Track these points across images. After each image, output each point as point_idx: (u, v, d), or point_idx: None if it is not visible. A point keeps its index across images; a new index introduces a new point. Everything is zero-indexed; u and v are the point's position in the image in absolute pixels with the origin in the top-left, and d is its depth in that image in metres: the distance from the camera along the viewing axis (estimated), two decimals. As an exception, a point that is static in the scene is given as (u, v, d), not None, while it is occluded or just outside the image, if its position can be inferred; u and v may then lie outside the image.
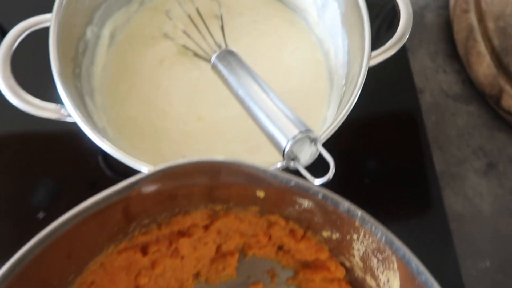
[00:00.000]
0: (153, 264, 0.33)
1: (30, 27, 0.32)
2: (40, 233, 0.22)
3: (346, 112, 0.31)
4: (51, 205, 0.41)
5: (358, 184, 0.44)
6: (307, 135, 0.26)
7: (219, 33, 0.41)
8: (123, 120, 0.40)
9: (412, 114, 0.46)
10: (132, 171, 0.30)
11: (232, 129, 0.40)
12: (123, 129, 0.39)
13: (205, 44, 0.38)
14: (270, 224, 0.36)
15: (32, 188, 0.41)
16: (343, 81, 0.37)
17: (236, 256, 0.36)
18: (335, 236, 0.31)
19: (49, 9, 0.33)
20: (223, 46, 0.38)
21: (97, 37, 0.39)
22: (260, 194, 0.30)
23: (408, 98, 0.47)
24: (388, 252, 0.26)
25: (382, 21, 0.48)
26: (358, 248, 0.29)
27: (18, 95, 0.30)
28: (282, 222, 0.35)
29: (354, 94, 0.31)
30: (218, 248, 0.35)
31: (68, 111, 0.30)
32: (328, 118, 0.40)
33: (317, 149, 0.26)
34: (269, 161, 0.36)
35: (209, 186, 0.31)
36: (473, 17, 0.48)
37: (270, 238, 0.37)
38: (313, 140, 0.27)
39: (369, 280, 0.30)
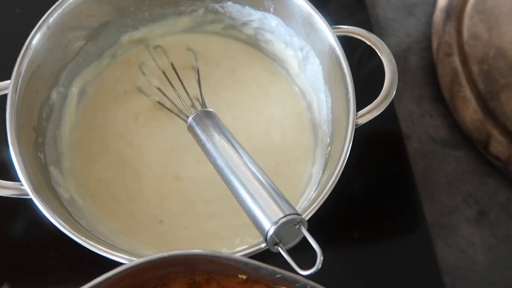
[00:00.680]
0: None
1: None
2: None
3: (329, 189, 0.29)
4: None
5: (348, 238, 0.42)
6: (293, 219, 0.24)
7: (196, 86, 0.39)
8: (94, 183, 0.37)
9: (400, 162, 0.45)
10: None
11: (213, 188, 0.38)
12: (95, 193, 0.37)
13: (181, 102, 0.36)
14: (255, 292, 0.33)
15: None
16: (328, 140, 0.35)
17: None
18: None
19: (8, 75, 0.30)
20: (200, 103, 0.36)
21: (64, 97, 0.36)
22: (243, 276, 0.28)
23: (394, 145, 0.46)
24: None
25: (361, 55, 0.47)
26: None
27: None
28: (266, 291, 0.33)
29: (337, 171, 0.29)
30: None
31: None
32: (314, 175, 0.38)
33: (303, 234, 0.24)
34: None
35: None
36: (456, 61, 0.47)
37: (255, 305, 0.35)
38: (299, 223, 0.25)
39: None
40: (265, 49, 0.42)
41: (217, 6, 0.39)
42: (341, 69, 0.32)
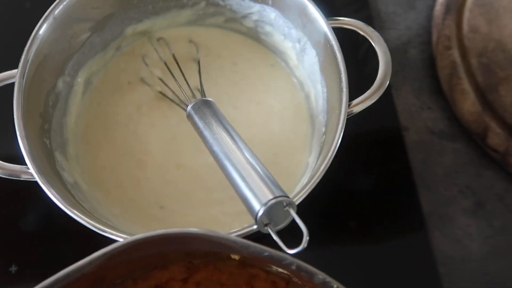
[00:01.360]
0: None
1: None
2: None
3: (320, 174, 0.30)
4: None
5: (344, 227, 0.43)
6: (282, 200, 0.25)
7: (197, 77, 0.40)
8: (98, 170, 0.39)
9: (397, 154, 0.45)
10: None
11: (213, 176, 0.39)
12: (99, 180, 0.38)
13: (181, 92, 0.37)
14: (252, 276, 0.35)
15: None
16: (323, 129, 0.36)
17: (218, 307, 0.34)
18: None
19: (15, 64, 0.32)
20: (200, 93, 0.38)
21: (70, 86, 0.38)
22: (235, 257, 0.29)
23: (392, 137, 0.46)
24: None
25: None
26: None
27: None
28: (263, 274, 0.34)
29: (328, 156, 0.30)
30: (198, 301, 0.34)
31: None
32: (310, 164, 0.39)
33: (292, 216, 0.25)
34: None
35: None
36: (456, 54, 0.48)
37: (252, 289, 0.36)
38: (288, 205, 0.26)
39: None
40: (265, 42, 0.43)
41: None
42: (335, 59, 0.33)
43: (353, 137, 0.46)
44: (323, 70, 0.36)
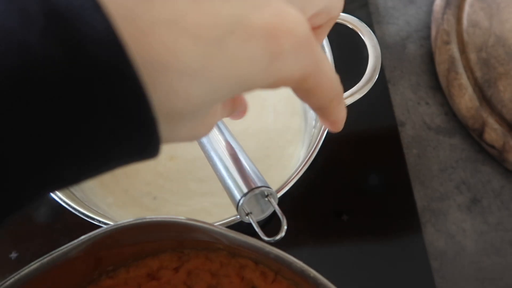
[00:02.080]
0: (120, 309, 0.32)
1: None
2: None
3: (302, 168, 0.30)
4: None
5: (337, 221, 0.43)
6: (263, 190, 0.26)
7: None
8: None
9: (393, 149, 0.45)
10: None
11: (205, 168, 0.40)
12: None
13: None
14: (242, 266, 0.35)
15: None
16: (313, 122, 0.36)
17: (209, 296, 0.35)
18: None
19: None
20: None
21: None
22: (219, 246, 0.30)
23: (388, 131, 0.46)
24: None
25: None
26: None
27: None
28: (252, 264, 0.35)
29: (312, 149, 0.30)
30: (190, 289, 0.35)
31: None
32: (301, 158, 0.39)
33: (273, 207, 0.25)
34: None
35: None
36: (454, 49, 0.47)
37: (242, 279, 0.36)
38: (269, 195, 0.26)
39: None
40: None
41: None
42: (324, 52, 0.33)
43: (348, 131, 0.47)
44: None
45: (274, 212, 0.43)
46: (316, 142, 0.31)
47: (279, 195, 0.30)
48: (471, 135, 0.46)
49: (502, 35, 0.47)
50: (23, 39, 0.11)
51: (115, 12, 0.12)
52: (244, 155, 0.29)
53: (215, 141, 0.30)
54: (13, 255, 0.40)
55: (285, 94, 0.42)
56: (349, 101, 0.34)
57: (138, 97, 0.12)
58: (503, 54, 0.47)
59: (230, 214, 0.39)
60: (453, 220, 0.44)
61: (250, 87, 0.16)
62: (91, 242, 0.25)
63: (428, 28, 0.51)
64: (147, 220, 0.25)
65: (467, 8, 0.49)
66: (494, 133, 0.45)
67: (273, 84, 0.16)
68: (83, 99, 0.12)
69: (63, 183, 0.14)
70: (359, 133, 0.46)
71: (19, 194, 0.13)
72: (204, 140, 0.31)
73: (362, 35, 0.34)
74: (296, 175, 0.30)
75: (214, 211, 0.39)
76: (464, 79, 0.46)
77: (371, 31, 0.34)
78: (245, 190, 0.26)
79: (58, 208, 0.42)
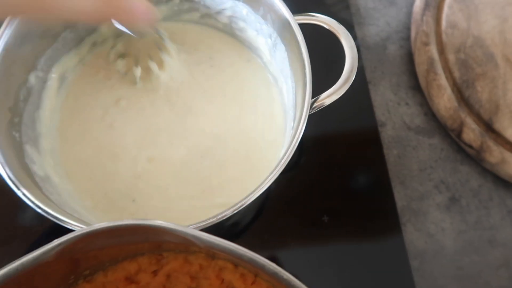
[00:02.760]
0: (99, 312, 0.32)
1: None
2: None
3: (281, 166, 0.30)
4: None
5: (317, 221, 0.43)
6: None
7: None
8: (73, 162, 0.39)
9: (373, 149, 0.46)
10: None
11: (184, 170, 0.40)
12: (72, 172, 0.39)
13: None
14: (221, 268, 0.35)
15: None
16: (293, 123, 0.36)
17: (188, 299, 0.35)
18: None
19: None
20: None
21: (44, 81, 0.38)
22: (198, 248, 0.30)
23: (369, 132, 0.47)
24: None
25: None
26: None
27: None
28: (231, 266, 0.34)
29: (289, 150, 0.30)
30: (169, 292, 0.35)
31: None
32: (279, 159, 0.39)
33: None
34: (223, 203, 0.36)
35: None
36: (433, 50, 0.48)
37: (222, 281, 0.36)
38: None
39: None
40: (240, 37, 0.43)
41: None
42: (301, 54, 0.33)
43: (329, 131, 0.47)
44: (291, 65, 0.36)
45: (260, 213, 0.43)
46: (293, 143, 0.31)
47: (255, 196, 0.30)
48: (450, 135, 0.47)
49: (480, 36, 0.48)
50: None
51: None
52: None
53: None
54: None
55: (266, 95, 0.42)
56: (327, 101, 0.34)
57: None
58: (481, 55, 0.47)
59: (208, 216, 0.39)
60: (433, 220, 0.45)
61: None
62: (61, 247, 0.24)
63: (408, 29, 0.51)
64: (120, 224, 0.25)
65: (446, 9, 0.49)
66: (472, 133, 0.45)
67: None
68: None
69: None
70: (340, 133, 0.47)
71: None
72: None
73: (339, 36, 0.34)
74: (272, 176, 0.30)
75: (194, 214, 0.38)
76: (443, 79, 0.47)
77: (348, 33, 0.34)
78: None
79: (37, 213, 0.41)
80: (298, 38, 0.33)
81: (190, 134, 0.40)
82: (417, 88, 0.49)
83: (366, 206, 0.44)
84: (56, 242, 0.24)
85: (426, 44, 0.48)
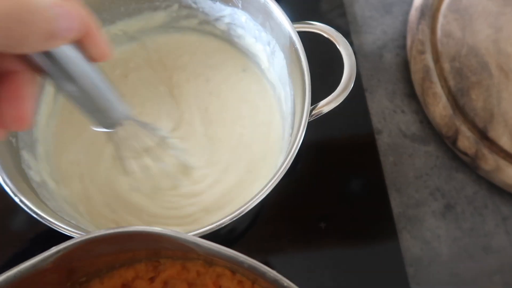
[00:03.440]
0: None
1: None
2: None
3: (281, 173, 0.30)
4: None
5: (314, 227, 0.43)
6: None
7: None
8: (66, 164, 0.39)
9: (369, 156, 0.46)
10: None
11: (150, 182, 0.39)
12: (66, 175, 0.39)
13: None
14: (219, 275, 0.35)
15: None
16: (291, 131, 0.36)
17: (185, 306, 0.35)
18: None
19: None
20: None
21: (41, 86, 0.38)
22: (196, 255, 0.30)
23: (365, 139, 0.47)
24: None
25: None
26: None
27: None
28: (229, 274, 0.34)
29: (288, 158, 0.31)
30: (166, 300, 0.34)
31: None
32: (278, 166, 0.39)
33: None
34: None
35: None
36: (429, 58, 0.48)
37: (219, 288, 0.36)
38: None
39: None
40: (238, 44, 0.43)
41: (190, 1, 0.41)
42: (300, 61, 0.33)
43: (326, 139, 0.47)
44: (290, 73, 0.37)
45: (256, 219, 0.43)
46: (293, 151, 0.31)
47: (255, 203, 0.30)
48: (445, 142, 0.47)
49: (474, 46, 0.49)
50: None
51: None
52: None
53: None
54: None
55: (264, 103, 0.43)
56: (326, 109, 0.34)
57: None
58: (476, 64, 0.48)
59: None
60: (428, 227, 0.45)
61: None
62: (60, 254, 0.24)
63: (404, 37, 0.52)
64: (120, 231, 0.25)
65: (441, 18, 0.50)
66: (467, 140, 0.46)
67: None
68: None
69: None
70: (337, 140, 0.47)
71: None
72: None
73: (338, 44, 0.34)
74: (272, 184, 0.30)
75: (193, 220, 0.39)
76: (438, 87, 0.47)
77: (346, 41, 0.34)
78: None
79: (31, 218, 0.41)
80: (297, 46, 0.34)
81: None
82: (413, 96, 0.50)
83: (362, 213, 0.44)
84: (54, 249, 0.24)
85: (422, 52, 0.49)
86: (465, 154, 0.46)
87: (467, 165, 0.47)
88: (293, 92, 0.37)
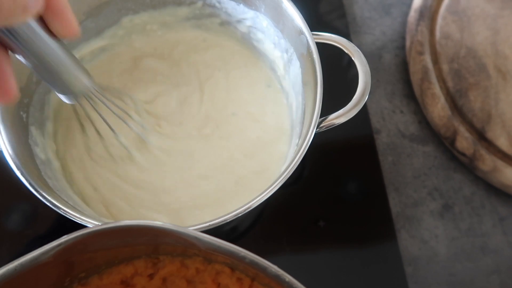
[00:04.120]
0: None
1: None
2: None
3: (281, 180, 0.31)
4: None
5: (313, 227, 0.43)
6: None
7: None
8: (73, 149, 0.39)
9: (368, 156, 0.46)
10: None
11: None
12: (71, 158, 0.38)
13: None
14: (218, 272, 0.35)
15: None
16: (297, 140, 0.36)
17: (184, 303, 0.35)
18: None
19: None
20: None
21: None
22: (196, 252, 0.30)
23: (364, 139, 0.47)
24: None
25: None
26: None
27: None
28: (228, 271, 0.34)
29: (290, 167, 0.31)
30: (165, 297, 0.34)
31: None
32: (283, 168, 0.40)
33: None
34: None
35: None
36: (428, 59, 0.49)
37: (218, 285, 0.36)
38: None
39: None
40: (257, 48, 0.43)
41: (214, 0, 0.41)
42: (315, 72, 0.33)
43: (325, 138, 0.47)
44: (304, 82, 0.37)
45: (258, 219, 0.43)
46: (299, 154, 0.31)
47: (257, 203, 0.30)
48: (443, 143, 0.48)
49: (472, 47, 0.49)
50: None
51: None
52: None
53: None
54: None
55: (275, 109, 0.43)
56: (337, 122, 0.34)
57: None
58: (474, 65, 0.48)
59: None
60: (426, 226, 0.45)
61: None
62: (61, 247, 0.24)
63: (403, 38, 0.52)
64: (121, 224, 0.25)
65: (439, 20, 0.50)
66: (465, 141, 0.46)
67: None
68: None
69: None
70: (335, 140, 0.47)
71: None
72: None
73: (355, 58, 0.35)
74: (276, 185, 0.31)
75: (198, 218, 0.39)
76: (436, 88, 0.48)
77: (364, 58, 0.34)
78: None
79: (29, 215, 0.41)
80: (314, 56, 0.34)
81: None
82: (411, 97, 0.50)
83: (361, 212, 0.44)
84: (55, 242, 0.24)
85: (421, 53, 0.49)
86: (463, 154, 0.46)
87: (465, 165, 0.47)
88: (305, 101, 0.37)
